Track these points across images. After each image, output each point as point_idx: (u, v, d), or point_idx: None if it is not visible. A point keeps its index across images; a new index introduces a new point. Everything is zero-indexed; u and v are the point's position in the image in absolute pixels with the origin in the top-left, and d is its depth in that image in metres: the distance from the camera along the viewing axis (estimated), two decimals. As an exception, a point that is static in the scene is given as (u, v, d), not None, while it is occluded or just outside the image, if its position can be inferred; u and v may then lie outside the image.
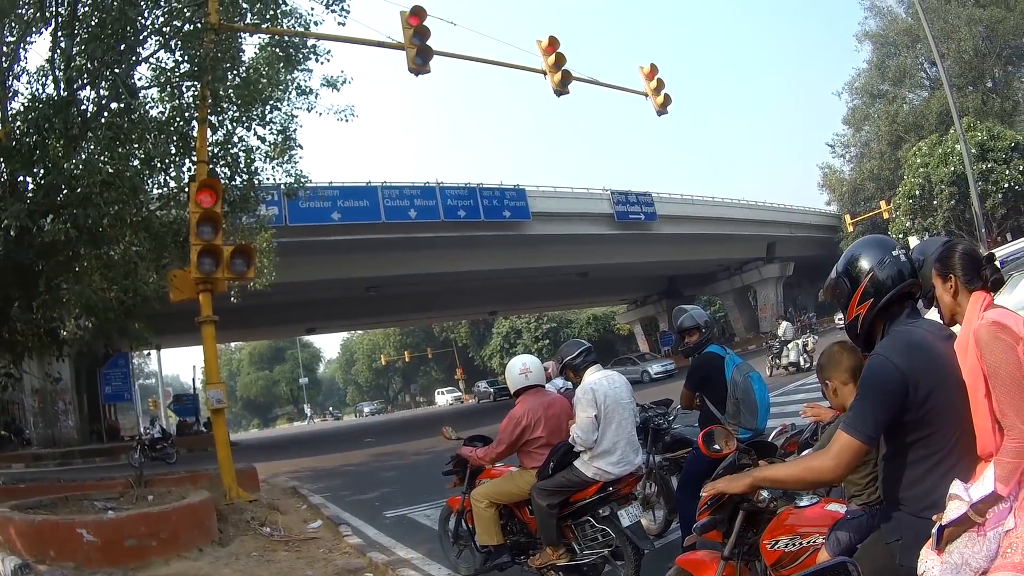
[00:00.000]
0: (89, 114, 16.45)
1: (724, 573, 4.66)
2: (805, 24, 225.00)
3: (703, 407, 8.35)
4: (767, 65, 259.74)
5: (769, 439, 6.98)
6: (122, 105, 16.26)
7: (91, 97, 16.78)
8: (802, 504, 4.52)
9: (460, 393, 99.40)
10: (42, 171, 15.81)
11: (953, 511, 3.22)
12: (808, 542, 4.36)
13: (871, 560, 3.69)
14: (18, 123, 15.71)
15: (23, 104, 16.01)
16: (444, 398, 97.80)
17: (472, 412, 51.90)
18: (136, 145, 17.03)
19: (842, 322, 4.26)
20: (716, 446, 5.47)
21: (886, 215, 54.08)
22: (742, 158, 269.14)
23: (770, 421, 8.35)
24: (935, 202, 51.28)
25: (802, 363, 31.81)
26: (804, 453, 5.94)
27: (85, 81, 16.40)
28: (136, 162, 17.36)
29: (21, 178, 16.28)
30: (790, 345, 32.98)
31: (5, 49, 16.33)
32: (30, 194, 15.82)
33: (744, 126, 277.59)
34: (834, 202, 73.64)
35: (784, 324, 36.21)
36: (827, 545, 4.20)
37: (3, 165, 15.77)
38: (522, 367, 8.75)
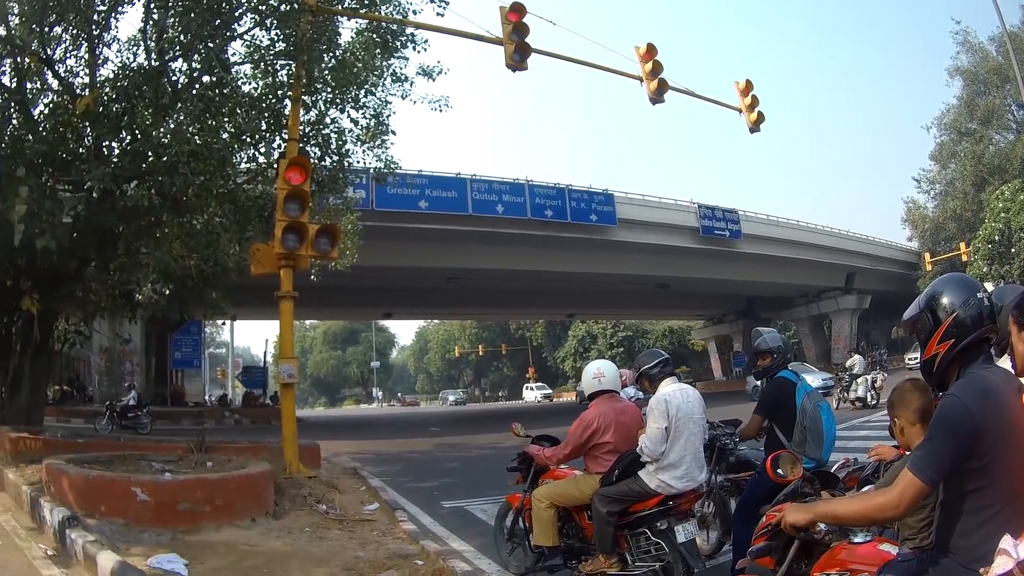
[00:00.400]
0: (180, 85, 16.74)
1: None
2: (905, 53, 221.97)
3: (770, 432, 8.29)
4: (861, 91, 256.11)
5: (831, 471, 6.95)
6: (214, 79, 16.51)
7: (183, 69, 17.10)
8: (856, 541, 4.41)
9: (550, 391, 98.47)
10: (129, 138, 16.06)
11: (1000, 567, 3.16)
12: None
13: None
14: (107, 90, 15.99)
15: (113, 72, 16.31)
16: (532, 394, 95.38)
17: (555, 411, 51.51)
18: (226, 119, 17.28)
19: (914, 361, 4.20)
20: (781, 471, 5.45)
21: (964, 257, 53.02)
22: (826, 183, 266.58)
23: (833, 454, 8.30)
24: (1013, 249, 50.31)
25: (869, 399, 31.20)
26: (864, 489, 5.89)
27: (177, 53, 16.73)
28: (225, 135, 17.64)
29: (107, 143, 16.54)
30: (859, 380, 32.27)
31: (97, 17, 16.57)
32: (115, 159, 16.06)
33: (830, 151, 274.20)
34: (915, 238, 72.04)
35: (856, 357, 35.52)
36: None
37: (89, 130, 16.01)
38: (596, 371, 8.73)
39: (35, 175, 14.06)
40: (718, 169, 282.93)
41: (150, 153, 15.55)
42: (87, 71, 17.21)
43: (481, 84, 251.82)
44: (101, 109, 15.16)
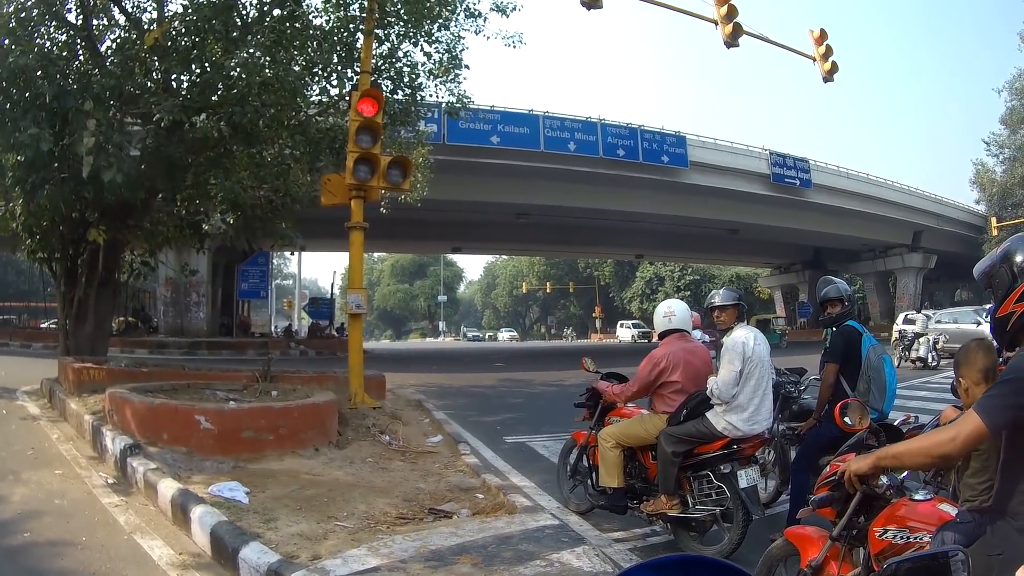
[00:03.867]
0: (250, 19, 16.74)
1: (829, 554, 4.63)
2: (983, 14, 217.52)
3: (836, 381, 8.17)
4: (934, 50, 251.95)
5: (895, 425, 6.88)
6: (285, 12, 16.49)
7: (253, 2, 17.09)
8: (916, 498, 4.44)
9: (648, 329, 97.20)
10: (198, 71, 16.12)
11: None
12: (915, 538, 4.27)
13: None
14: (176, 24, 16.00)
15: (182, 6, 16.29)
16: (627, 332, 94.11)
17: (627, 350, 51.21)
18: (297, 51, 17.35)
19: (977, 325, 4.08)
20: (849, 419, 5.40)
21: (1029, 225, 51.84)
22: (895, 139, 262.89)
23: (892, 412, 8.24)
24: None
25: (930, 360, 30.68)
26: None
27: (248, -15, 16.66)
28: (297, 67, 17.62)
29: (175, 77, 16.63)
30: (921, 340, 31.74)
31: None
32: (184, 92, 16.14)
33: (901, 107, 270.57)
34: (983, 202, 70.26)
35: (920, 316, 35.20)
36: (932, 544, 4.08)
37: (158, 64, 16.12)
38: (667, 310, 8.71)
39: (103, 109, 14.16)
40: (785, 118, 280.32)
41: (220, 85, 15.66)
42: (155, 6, 17.32)
43: (554, 21, 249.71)
44: (170, 43, 15.22)
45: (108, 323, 20.51)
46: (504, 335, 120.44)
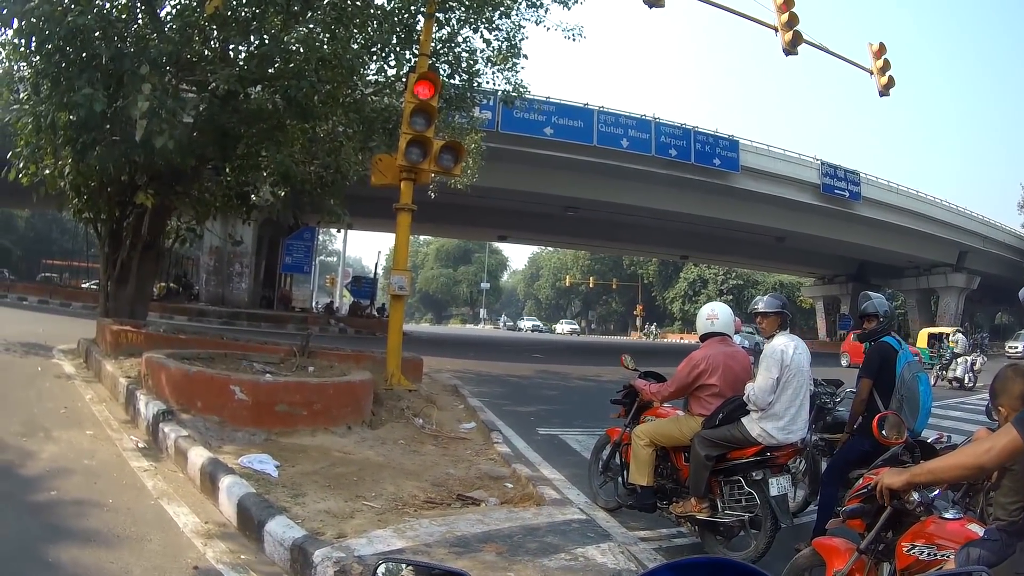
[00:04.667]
0: (312, -6, 16.70)
1: (855, 566, 4.62)
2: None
3: (868, 397, 8.12)
4: (985, 72, 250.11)
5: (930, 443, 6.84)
6: (347, -11, 16.50)
7: (315, -23, 17.03)
8: (946, 516, 4.41)
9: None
10: (256, 42, 16.14)
11: None
12: (943, 555, 4.27)
13: None
14: (237, -5, 16.02)
15: (245, -24, 16.32)
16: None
17: (666, 350, 51.17)
18: (357, 30, 17.32)
19: (1015, 350, 4.09)
20: (886, 433, 5.38)
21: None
22: (942, 158, 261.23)
23: (925, 431, 8.18)
24: None
25: (966, 381, 30.68)
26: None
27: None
28: (355, 46, 17.65)
29: (233, 47, 16.67)
30: (959, 360, 31.72)
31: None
32: (241, 62, 16.18)
33: (953, 126, 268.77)
34: (1031, 225, 69.47)
35: (960, 336, 35.15)
36: (956, 559, 4.12)
37: (216, 33, 16.17)
38: (710, 312, 8.72)
39: (159, 74, 14.18)
40: (834, 128, 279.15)
41: (278, 58, 15.66)
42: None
43: (613, 17, 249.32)
44: (230, 13, 15.23)
45: (149, 287, 20.66)
46: (564, 327, 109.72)
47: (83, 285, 55.63)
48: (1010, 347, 49.64)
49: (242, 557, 6.35)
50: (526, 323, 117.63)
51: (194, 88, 16.20)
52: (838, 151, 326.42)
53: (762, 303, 8.20)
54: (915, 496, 4.26)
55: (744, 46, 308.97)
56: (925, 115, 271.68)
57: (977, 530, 4.34)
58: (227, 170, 18.40)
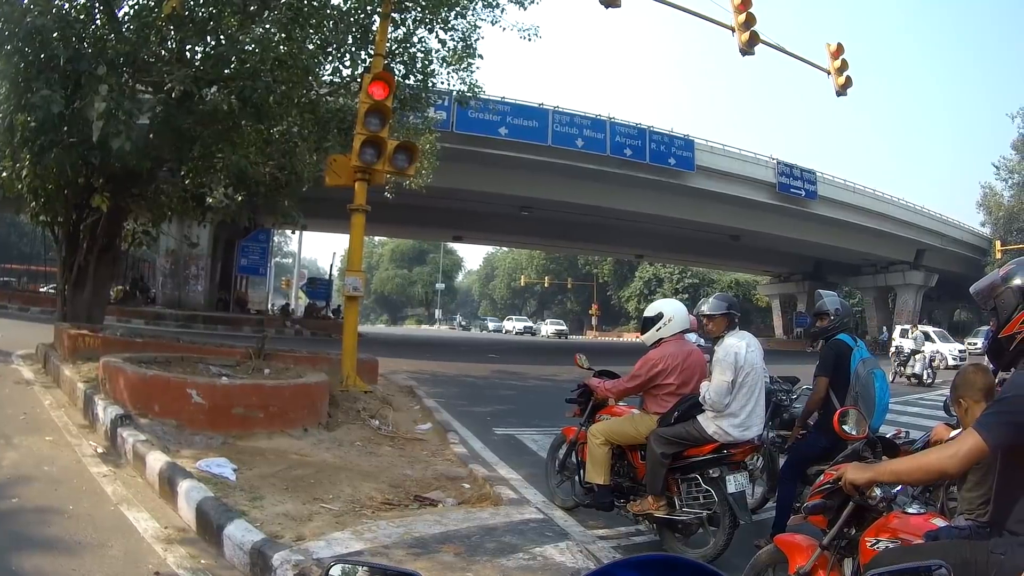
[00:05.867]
0: (269, -6, 16.69)
1: (817, 562, 4.62)
2: (999, 39, 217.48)
3: (826, 395, 8.15)
4: (945, 70, 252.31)
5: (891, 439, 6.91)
6: (303, -11, 16.51)
7: (272, -23, 17.03)
8: (909, 511, 4.45)
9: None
10: (213, 43, 16.15)
11: None
12: None
13: (967, 558, 3.61)
14: (195, -5, 16.00)
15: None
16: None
17: (622, 350, 51.25)
18: (313, 30, 17.33)
19: (974, 346, 4.13)
20: (848, 428, 5.44)
21: (1035, 251, 51.97)
22: (898, 156, 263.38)
23: (883, 427, 8.26)
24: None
25: (925, 377, 31.03)
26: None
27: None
28: (311, 46, 17.69)
29: (190, 47, 16.66)
30: (917, 356, 31.99)
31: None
32: (197, 63, 16.18)
33: (908, 126, 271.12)
34: (988, 224, 71.14)
35: (918, 332, 35.43)
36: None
37: (173, 33, 16.10)
38: (661, 321, 8.63)
39: (116, 75, 14.18)
40: (791, 128, 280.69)
41: (233, 58, 15.65)
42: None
43: (569, 18, 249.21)
44: (187, 13, 15.21)
45: (106, 291, 20.59)
46: (548, 329, 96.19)
47: (41, 289, 55.12)
48: (969, 343, 49.96)
49: (202, 561, 6.37)
50: (515, 324, 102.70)
51: (150, 89, 16.17)
52: (798, 152, 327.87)
53: (707, 305, 8.18)
54: (877, 492, 4.30)
55: (703, 47, 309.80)
56: (885, 115, 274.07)
57: (940, 524, 4.37)
58: (183, 172, 18.33)
